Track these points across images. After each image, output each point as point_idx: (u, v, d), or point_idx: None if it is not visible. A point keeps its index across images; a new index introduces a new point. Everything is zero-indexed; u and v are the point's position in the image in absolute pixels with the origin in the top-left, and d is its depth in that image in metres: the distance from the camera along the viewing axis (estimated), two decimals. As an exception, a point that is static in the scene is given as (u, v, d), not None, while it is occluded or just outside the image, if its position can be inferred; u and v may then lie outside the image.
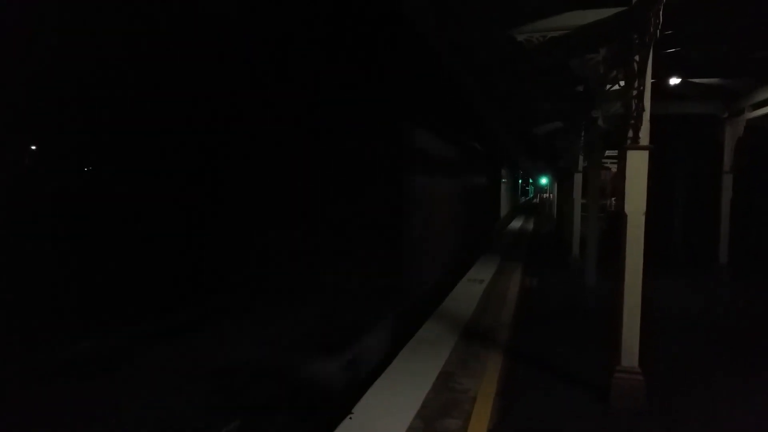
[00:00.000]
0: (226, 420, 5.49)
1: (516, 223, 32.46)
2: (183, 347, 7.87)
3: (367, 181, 11.07)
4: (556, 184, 32.38)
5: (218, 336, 8.43)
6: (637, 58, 5.04)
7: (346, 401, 5.74)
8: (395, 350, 7.29)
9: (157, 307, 9.40)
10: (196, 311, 9.63)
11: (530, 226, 30.47)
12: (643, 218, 5.13)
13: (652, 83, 5.11)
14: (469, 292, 10.80)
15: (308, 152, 11.47)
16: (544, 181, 45.57)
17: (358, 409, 5.09)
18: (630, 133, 5.08)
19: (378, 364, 7.46)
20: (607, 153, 16.26)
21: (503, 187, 34.02)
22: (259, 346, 7.62)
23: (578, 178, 13.52)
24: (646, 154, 5.10)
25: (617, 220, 5.47)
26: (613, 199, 24.80)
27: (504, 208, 34.44)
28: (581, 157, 13.42)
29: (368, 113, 11.24)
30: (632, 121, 5.06)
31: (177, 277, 11.15)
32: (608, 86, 7.48)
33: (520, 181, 62.17)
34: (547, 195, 44.94)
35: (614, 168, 23.02)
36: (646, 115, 5.06)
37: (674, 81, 9.07)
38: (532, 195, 75.84)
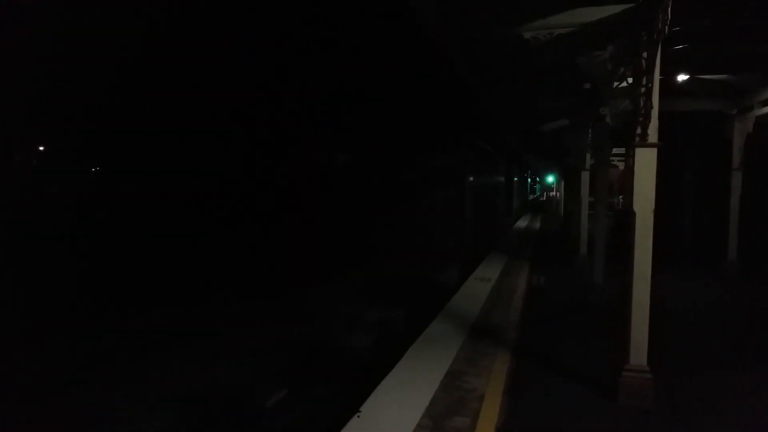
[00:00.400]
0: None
1: (523, 222, 32.37)
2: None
3: (444, 184, 17.93)
4: (563, 183, 32.25)
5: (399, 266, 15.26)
6: (645, 55, 5.01)
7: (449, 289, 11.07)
8: (464, 274, 13.01)
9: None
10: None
11: (537, 224, 30.36)
12: (651, 216, 5.10)
13: (660, 80, 5.07)
14: (476, 290, 10.78)
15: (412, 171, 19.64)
16: (550, 179, 45.47)
17: (366, 407, 5.09)
18: (638, 131, 5.05)
19: (458, 278, 13.00)
20: (615, 150, 16.17)
21: (515, 186, 37.08)
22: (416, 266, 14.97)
23: (585, 176, 13.44)
24: (654, 151, 5.07)
25: (625, 218, 5.44)
26: (620, 196, 24.64)
27: (515, 205, 39.34)
28: (588, 155, 13.35)
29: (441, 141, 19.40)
30: (640, 119, 5.03)
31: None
32: (616, 83, 7.41)
33: (528, 180, 62.17)
34: (554, 193, 44.82)
35: (622, 166, 22.89)
36: (655, 113, 5.02)
37: (682, 78, 9.01)
38: (539, 193, 75.53)
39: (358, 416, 4.90)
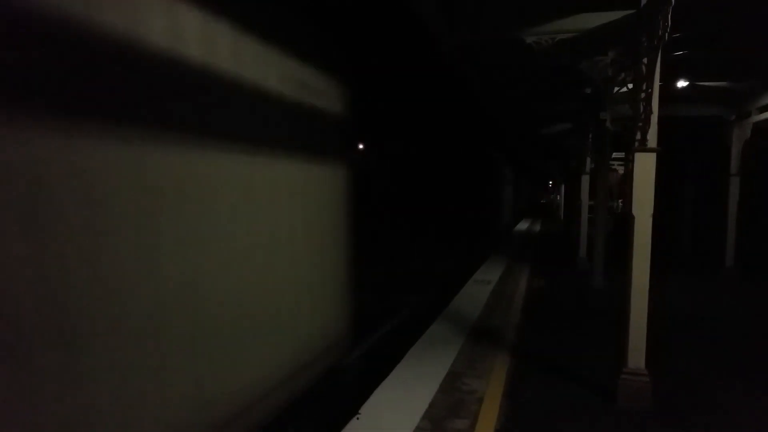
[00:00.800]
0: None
1: (524, 224, 32.43)
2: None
3: (478, 185, 23.85)
4: (563, 186, 32.32)
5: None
6: (645, 60, 5.05)
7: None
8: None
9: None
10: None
11: (537, 227, 30.42)
12: (650, 220, 5.15)
13: (660, 86, 5.12)
14: (476, 293, 10.81)
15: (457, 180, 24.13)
16: (551, 182, 45.57)
17: (365, 409, 5.11)
18: (638, 136, 5.10)
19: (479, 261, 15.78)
20: (615, 155, 16.25)
21: (518, 189, 39.93)
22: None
23: (585, 179, 13.51)
24: (653, 156, 5.11)
25: (625, 221, 5.49)
26: (620, 200, 24.72)
27: (518, 209, 43.24)
28: (589, 159, 13.41)
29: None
30: (640, 124, 5.07)
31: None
32: (616, 88, 7.46)
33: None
34: (554, 196, 44.94)
35: (621, 170, 22.97)
36: (654, 118, 5.07)
37: (682, 84, 9.06)
38: None
39: (358, 417, 4.92)
